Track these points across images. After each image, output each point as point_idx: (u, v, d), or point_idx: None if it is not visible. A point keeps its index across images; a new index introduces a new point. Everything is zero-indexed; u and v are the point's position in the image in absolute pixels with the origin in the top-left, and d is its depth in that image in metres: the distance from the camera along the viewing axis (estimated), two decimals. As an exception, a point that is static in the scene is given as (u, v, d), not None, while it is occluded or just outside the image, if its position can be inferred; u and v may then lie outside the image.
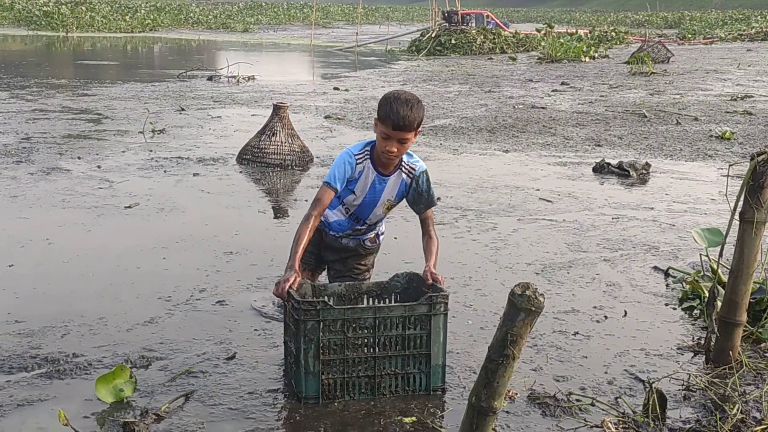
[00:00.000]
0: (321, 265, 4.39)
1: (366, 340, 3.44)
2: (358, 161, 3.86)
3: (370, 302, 3.84)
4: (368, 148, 3.91)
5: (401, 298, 3.81)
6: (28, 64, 22.17)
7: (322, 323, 3.33)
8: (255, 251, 5.71)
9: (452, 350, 4.12)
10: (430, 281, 3.63)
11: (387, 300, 3.85)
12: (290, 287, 3.46)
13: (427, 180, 3.93)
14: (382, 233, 4.38)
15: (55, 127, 11.03)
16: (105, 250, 5.71)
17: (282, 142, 8.81)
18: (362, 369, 3.45)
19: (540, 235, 6.32)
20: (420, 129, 3.81)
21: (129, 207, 6.87)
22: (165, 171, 8.37)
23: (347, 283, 3.90)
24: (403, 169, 3.91)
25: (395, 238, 6.04)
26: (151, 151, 9.49)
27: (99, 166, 8.50)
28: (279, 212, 7.14)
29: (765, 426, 3.07)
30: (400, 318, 3.42)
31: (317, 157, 9.10)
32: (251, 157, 8.87)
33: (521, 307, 2.92)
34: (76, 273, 5.21)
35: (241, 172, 8.56)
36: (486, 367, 3.07)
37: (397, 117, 3.65)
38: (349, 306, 3.57)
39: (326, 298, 3.71)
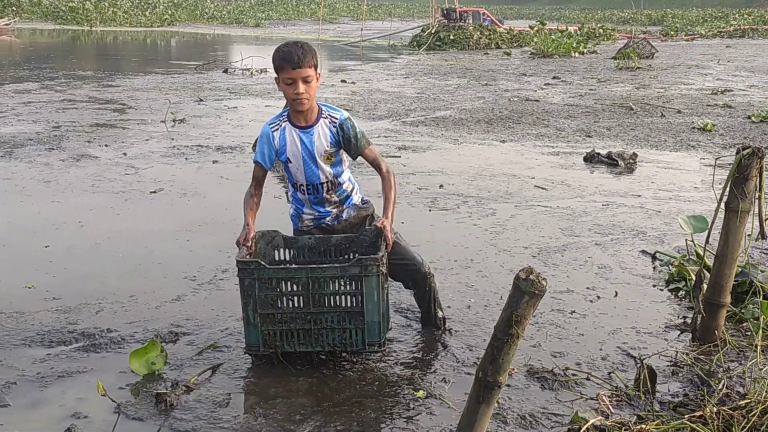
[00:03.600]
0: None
1: (299, 297, 3.46)
2: (273, 128, 3.74)
3: (340, 255, 3.80)
4: (284, 114, 3.78)
5: (367, 252, 3.71)
6: (56, 57, 22.11)
7: (258, 281, 3.36)
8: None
9: (456, 329, 4.16)
10: (379, 225, 3.59)
11: (356, 253, 3.74)
12: (250, 244, 3.55)
13: (352, 126, 3.73)
14: (360, 195, 4.03)
15: (83, 117, 11.03)
16: (133, 232, 5.73)
17: (295, 132, 8.80)
18: (300, 322, 3.47)
19: (536, 220, 6.33)
20: (319, 72, 3.67)
21: (154, 192, 6.89)
22: (186, 158, 8.38)
23: (318, 236, 3.81)
24: (324, 117, 3.73)
25: (402, 222, 6.06)
26: (172, 139, 9.49)
27: (125, 154, 8.50)
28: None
29: (749, 400, 3.09)
30: (333, 277, 3.38)
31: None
32: (266, 146, 8.86)
33: (525, 290, 2.93)
34: (107, 253, 5.23)
35: (257, 159, 8.55)
36: (492, 345, 3.10)
37: (291, 57, 3.54)
38: (281, 267, 3.51)
39: (292, 252, 3.78)
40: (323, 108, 3.74)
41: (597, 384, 3.54)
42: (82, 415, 3.16)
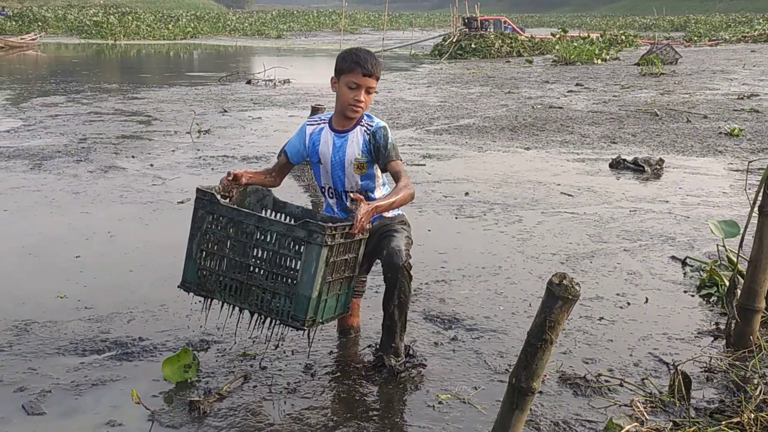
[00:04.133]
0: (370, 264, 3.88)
1: (246, 246, 3.33)
2: (310, 123, 3.73)
3: None
4: (326, 117, 3.75)
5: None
6: (82, 70, 22.37)
7: (210, 215, 3.32)
8: (299, 243, 5.73)
9: (484, 336, 4.14)
10: (353, 201, 3.41)
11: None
12: (225, 180, 3.53)
13: (385, 135, 3.60)
14: (400, 213, 3.82)
15: (110, 128, 11.14)
16: (162, 241, 5.76)
17: (320, 141, 8.84)
18: (235, 272, 3.37)
19: (563, 227, 6.30)
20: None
21: (182, 202, 6.93)
22: (212, 168, 8.43)
23: (305, 207, 3.77)
24: (362, 124, 3.64)
25: (429, 230, 6.07)
26: (198, 150, 9.55)
27: (152, 165, 8.57)
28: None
29: (786, 406, 3.06)
30: (278, 235, 3.26)
31: (352, 155, 9.11)
32: (291, 156, 8.90)
33: (559, 296, 2.92)
34: (137, 263, 5.26)
35: (282, 169, 8.59)
36: (525, 351, 3.08)
37: (366, 63, 3.50)
38: (234, 207, 3.37)
39: (278, 216, 3.71)
40: (363, 116, 3.67)
41: (630, 390, 3.51)
42: (117, 422, 3.18)
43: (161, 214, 6.56)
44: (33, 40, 34.17)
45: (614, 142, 10.46)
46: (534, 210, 6.83)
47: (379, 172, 3.71)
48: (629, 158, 8.82)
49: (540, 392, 3.47)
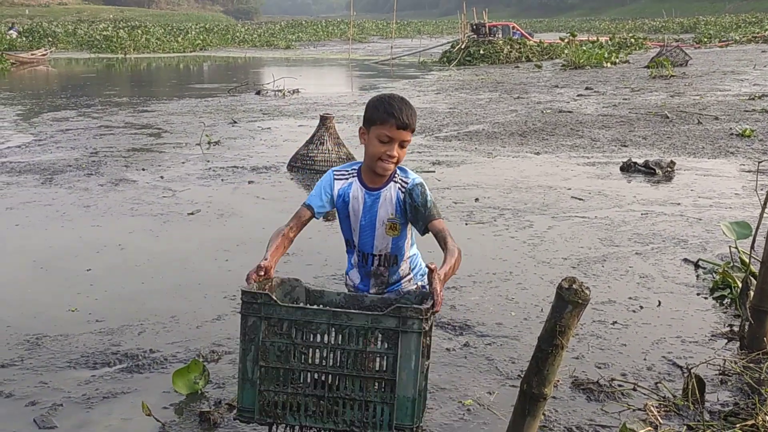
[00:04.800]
0: None
1: (320, 352, 2.64)
2: (338, 177, 3.22)
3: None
4: (355, 167, 3.26)
5: None
6: (92, 84, 22.52)
7: (264, 321, 2.60)
8: (309, 252, 5.74)
9: (495, 343, 4.13)
10: (431, 279, 2.73)
11: None
12: (257, 276, 2.78)
13: (422, 192, 3.15)
14: (417, 267, 3.39)
15: (120, 142, 11.19)
16: (172, 253, 5.78)
17: (329, 150, 8.86)
18: (311, 386, 2.65)
19: (574, 231, 6.28)
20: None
21: (191, 213, 6.95)
22: (222, 179, 8.46)
23: (347, 293, 3.09)
24: (395, 180, 3.20)
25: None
26: (208, 161, 9.59)
27: (162, 177, 8.60)
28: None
29: (802, 408, 3.03)
30: (361, 329, 2.58)
31: (362, 163, 9.12)
32: (301, 165, 8.93)
33: (569, 300, 2.90)
34: (147, 275, 5.28)
35: (292, 179, 8.61)
36: (536, 357, 3.06)
37: (401, 114, 3.05)
38: (298, 306, 2.69)
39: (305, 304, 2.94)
40: (396, 170, 3.21)
41: (644, 394, 3.49)
42: (128, 435, 3.18)
43: (171, 226, 6.58)
44: (43, 55, 34.42)
45: (625, 146, 10.42)
46: (545, 215, 6.81)
47: (410, 232, 3.30)
48: (640, 161, 8.79)
49: (553, 397, 3.45)
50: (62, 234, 6.32)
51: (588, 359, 3.92)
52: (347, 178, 3.22)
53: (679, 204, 7.13)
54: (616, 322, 4.39)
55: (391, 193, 3.18)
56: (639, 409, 3.35)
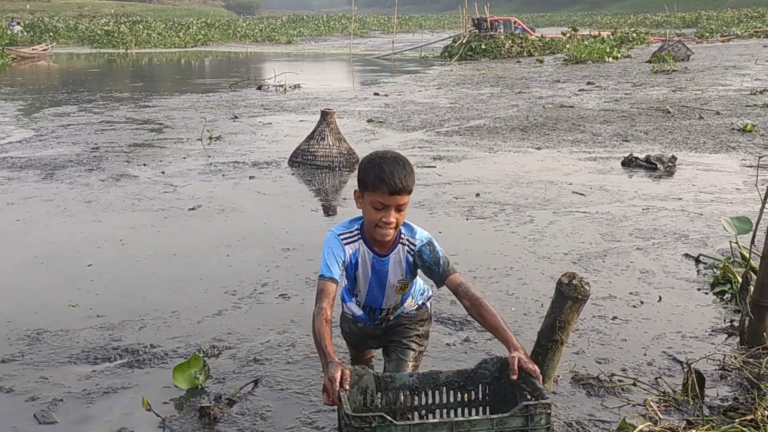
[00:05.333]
0: (365, 345, 3.57)
1: None
2: (345, 241, 3.06)
3: (452, 396, 2.85)
4: (357, 226, 3.10)
5: (491, 390, 2.86)
6: (93, 80, 22.52)
7: None
8: (310, 247, 5.74)
9: (495, 339, 4.11)
10: (515, 373, 2.64)
11: (473, 392, 2.86)
12: (341, 389, 2.53)
13: (432, 250, 3.05)
14: (429, 297, 3.45)
15: (121, 137, 11.19)
16: (173, 249, 5.78)
17: (330, 146, 8.86)
18: None
19: (575, 226, 6.27)
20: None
21: (193, 209, 6.95)
22: (223, 175, 8.45)
23: (421, 373, 2.88)
24: (403, 242, 3.09)
25: (440, 232, 6.05)
26: (209, 156, 9.59)
27: (163, 172, 8.60)
28: (329, 210, 7.17)
29: (801, 403, 3.03)
30: None
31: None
32: (302, 160, 8.92)
33: (568, 296, 2.91)
34: (148, 271, 5.28)
35: (293, 174, 8.61)
36: (536, 352, 3.08)
37: (392, 179, 2.85)
38: (416, 422, 2.46)
39: (389, 395, 2.80)
40: (402, 230, 3.08)
41: (644, 390, 3.48)
42: (128, 430, 3.19)
43: (173, 221, 6.58)
44: (44, 50, 34.42)
45: (626, 140, 10.41)
46: (546, 210, 6.80)
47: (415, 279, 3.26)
48: (641, 156, 8.77)
49: (553, 393, 3.45)
50: (63, 229, 6.32)
51: (588, 354, 3.92)
52: (354, 240, 3.08)
53: (680, 199, 7.12)
54: (616, 318, 4.39)
55: (399, 256, 3.08)
56: (639, 404, 3.35)
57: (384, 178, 2.86)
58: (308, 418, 3.29)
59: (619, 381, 3.57)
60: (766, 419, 2.92)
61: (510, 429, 2.38)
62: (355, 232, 3.08)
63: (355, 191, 3.02)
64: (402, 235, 3.07)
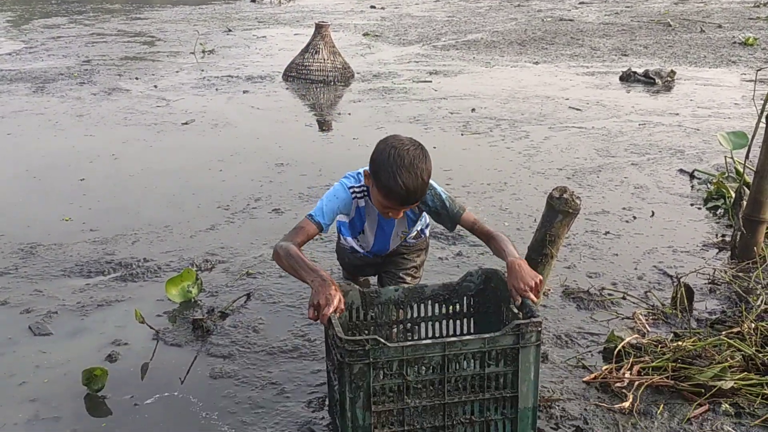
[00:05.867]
0: (362, 273, 3.61)
1: (433, 382, 2.45)
2: (355, 195, 2.99)
3: (437, 309, 2.89)
4: (360, 178, 3.03)
5: (475, 302, 2.89)
6: (84, -9, 22.00)
7: (372, 366, 2.35)
8: (303, 162, 5.71)
9: (488, 252, 4.12)
10: (518, 299, 2.58)
11: (458, 305, 2.88)
12: (333, 311, 2.46)
13: (433, 194, 2.95)
14: (427, 225, 3.44)
15: (113, 50, 11.00)
16: (166, 163, 5.74)
17: (325, 60, 8.71)
18: (428, 418, 2.47)
19: (570, 141, 6.23)
20: None
21: (186, 123, 6.88)
22: (216, 89, 8.35)
23: (405, 287, 2.87)
24: None
25: (434, 147, 6.00)
26: (202, 70, 9.45)
27: (155, 86, 8.49)
28: (324, 126, 7.10)
29: (788, 316, 3.06)
30: (477, 353, 2.41)
31: (358, 73, 8.99)
32: (296, 74, 8.80)
33: (559, 209, 2.90)
34: (141, 185, 5.26)
35: (287, 88, 8.50)
36: (526, 265, 3.08)
37: (406, 195, 2.69)
38: (409, 342, 2.45)
39: (375, 311, 2.82)
40: None
41: (633, 303, 3.52)
42: (122, 342, 3.22)
43: (165, 135, 6.52)
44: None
45: (625, 55, 10.25)
46: (541, 125, 6.74)
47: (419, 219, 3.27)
48: (640, 71, 8.66)
49: (543, 306, 3.49)
50: (55, 143, 6.27)
51: (579, 269, 3.94)
52: (361, 196, 3.01)
53: (677, 114, 7.06)
54: (608, 232, 4.40)
55: (405, 213, 3.08)
56: (628, 318, 3.38)
57: (397, 192, 2.68)
58: (300, 331, 3.32)
59: (609, 295, 3.60)
60: (752, 332, 2.96)
61: (501, 347, 2.40)
62: (363, 187, 3.00)
63: (365, 171, 2.86)
64: None
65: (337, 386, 2.46)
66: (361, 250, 3.36)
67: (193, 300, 3.57)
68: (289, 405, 2.77)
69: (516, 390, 2.46)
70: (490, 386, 2.45)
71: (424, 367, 2.40)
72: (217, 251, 4.16)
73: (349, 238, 3.33)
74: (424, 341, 2.41)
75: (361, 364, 2.33)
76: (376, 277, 3.55)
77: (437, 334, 2.83)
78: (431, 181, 2.85)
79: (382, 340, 2.34)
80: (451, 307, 2.88)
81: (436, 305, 2.86)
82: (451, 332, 2.85)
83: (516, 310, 2.62)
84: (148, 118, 7.04)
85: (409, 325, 2.86)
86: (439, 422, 2.45)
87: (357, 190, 2.98)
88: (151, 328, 3.27)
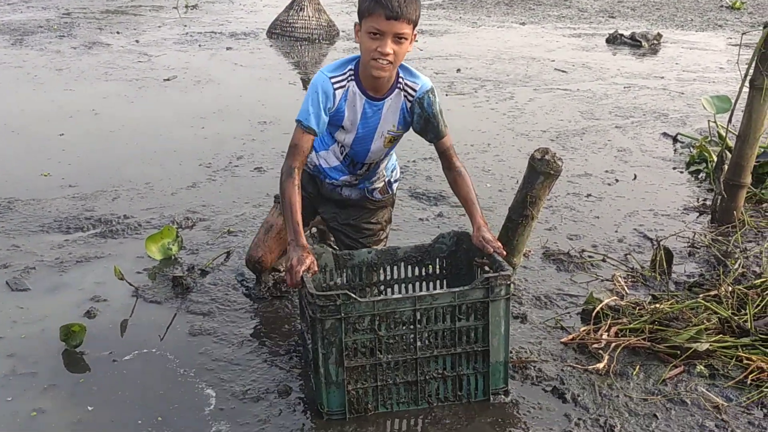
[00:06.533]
0: (315, 214, 3.20)
1: (404, 337, 2.46)
2: (336, 84, 2.71)
3: (410, 271, 2.88)
4: (351, 66, 2.74)
5: (448, 263, 2.88)
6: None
7: (344, 321, 2.36)
8: (287, 121, 5.63)
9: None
10: (490, 250, 2.59)
11: (430, 267, 2.87)
12: (305, 272, 2.45)
13: (434, 101, 2.77)
14: (396, 180, 3.20)
15: (93, 3, 10.82)
16: (147, 120, 5.68)
17: (309, 17, 8.61)
18: (400, 373, 2.48)
19: (555, 103, 6.21)
20: (416, 32, 2.68)
21: (167, 80, 6.80)
22: (199, 45, 8.24)
23: (379, 249, 2.85)
24: (401, 87, 2.76)
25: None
26: (185, 26, 9.31)
27: (137, 41, 8.37)
28: (308, 84, 7.02)
29: (764, 279, 3.07)
30: (448, 307, 2.43)
31: (343, 31, 8.89)
32: (280, 32, 8.70)
33: (540, 171, 2.89)
34: (122, 141, 5.20)
35: (271, 46, 8.40)
36: (506, 227, 3.08)
37: (390, 1, 2.52)
38: (380, 297, 2.45)
39: (346, 273, 2.77)
40: (401, 74, 2.75)
41: (613, 266, 3.53)
42: (101, 298, 3.20)
43: (147, 91, 6.44)
44: None
45: (612, 17, 10.20)
46: (526, 87, 6.72)
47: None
48: (627, 33, 8.62)
49: (524, 267, 3.50)
50: (34, 97, 6.18)
51: (560, 231, 3.94)
52: (345, 83, 2.72)
53: (662, 77, 7.04)
54: (590, 195, 4.40)
55: (396, 103, 2.77)
56: (607, 280, 3.40)
57: (380, 0, 2.52)
58: (278, 290, 3.31)
59: (589, 257, 3.61)
60: (729, 295, 2.98)
61: (471, 300, 2.43)
62: (348, 73, 2.73)
63: (355, 24, 2.70)
64: (401, 79, 2.74)
65: (310, 344, 2.47)
66: (338, 162, 2.96)
67: (173, 257, 3.55)
68: (266, 362, 2.78)
69: (487, 344, 2.49)
70: (461, 341, 2.48)
71: (394, 323, 2.41)
72: (198, 209, 4.14)
73: (324, 151, 2.96)
74: (395, 296, 2.43)
75: (333, 320, 2.34)
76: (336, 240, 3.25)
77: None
78: (434, 88, 2.76)
79: (353, 295, 2.34)
80: (424, 269, 2.87)
81: (409, 267, 2.86)
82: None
83: (487, 268, 2.64)
84: (129, 74, 6.95)
85: (382, 287, 2.85)
86: (411, 377, 2.48)
87: (338, 77, 2.71)
88: (131, 284, 3.26)
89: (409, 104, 2.76)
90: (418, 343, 2.44)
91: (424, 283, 2.87)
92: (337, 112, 2.74)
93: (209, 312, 3.10)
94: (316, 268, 2.49)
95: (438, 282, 2.89)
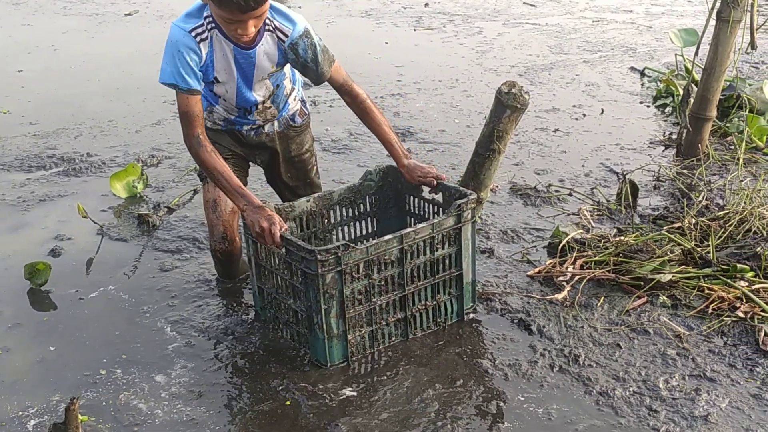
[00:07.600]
0: (247, 170, 2.98)
1: (393, 277, 2.51)
2: (198, 37, 2.40)
3: (345, 213, 2.86)
4: (207, 13, 2.42)
5: (377, 200, 2.91)
6: None
7: (340, 273, 2.37)
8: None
9: (437, 149, 4.12)
10: (434, 183, 2.68)
11: (362, 205, 2.88)
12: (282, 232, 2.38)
13: (309, 44, 2.52)
14: (302, 100, 2.91)
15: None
16: (109, 56, 5.56)
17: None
18: (391, 313, 2.56)
19: (523, 38, 6.16)
20: None
21: (129, 14, 6.63)
22: (161, -21, 8.02)
23: (314, 196, 2.79)
24: (270, 30, 2.49)
25: (386, 42, 5.90)
26: (146, -42, 9.05)
27: (97, -26, 8.13)
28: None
29: (727, 211, 3.11)
30: (428, 239, 2.51)
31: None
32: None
33: (507, 104, 2.88)
34: (83, 78, 5.09)
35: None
36: (473, 161, 3.08)
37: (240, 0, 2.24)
38: (372, 243, 2.46)
39: (288, 225, 2.58)
40: (269, 15, 2.46)
41: (579, 200, 3.55)
42: (66, 237, 3.17)
43: (107, 26, 6.28)
44: None
45: (582, -50, 10.07)
46: (495, 21, 6.64)
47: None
48: (596, -34, 8.52)
49: (490, 202, 3.50)
50: (-9, 34, 6.01)
51: (527, 166, 3.95)
52: (206, 34, 2.42)
53: (631, 12, 7.00)
54: (558, 130, 4.40)
55: (269, 46, 2.51)
56: (573, 214, 3.42)
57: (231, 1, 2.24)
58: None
59: (556, 191, 3.63)
60: (692, 227, 3.02)
61: (446, 228, 2.54)
62: (208, 25, 2.41)
63: None
64: (268, 21, 2.47)
65: (300, 303, 2.45)
66: (234, 115, 2.71)
67: (138, 195, 3.51)
68: (233, 300, 2.77)
69: (460, 268, 2.63)
70: (439, 269, 2.59)
71: (384, 264, 2.47)
72: (163, 146, 4.08)
73: (215, 107, 2.70)
74: (384, 238, 2.47)
75: (333, 273, 2.35)
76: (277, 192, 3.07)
77: (346, 239, 2.83)
78: (309, 28, 2.52)
79: (352, 245, 2.37)
80: (356, 209, 2.87)
81: (344, 209, 2.86)
82: (357, 234, 2.88)
83: (429, 196, 2.78)
84: (89, 8, 6.76)
85: (323, 234, 2.81)
86: (400, 315, 2.57)
87: (199, 30, 2.40)
88: (95, 222, 3.22)
89: (284, 47, 2.51)
90: (406, 281, 2.51)
91: (357, 223, 2.89)
92: (207, 66, 2.47)
93: (178, 249, 3.09)
94: (285, 224, 2.42)
95: (369, 219, 2.91)
